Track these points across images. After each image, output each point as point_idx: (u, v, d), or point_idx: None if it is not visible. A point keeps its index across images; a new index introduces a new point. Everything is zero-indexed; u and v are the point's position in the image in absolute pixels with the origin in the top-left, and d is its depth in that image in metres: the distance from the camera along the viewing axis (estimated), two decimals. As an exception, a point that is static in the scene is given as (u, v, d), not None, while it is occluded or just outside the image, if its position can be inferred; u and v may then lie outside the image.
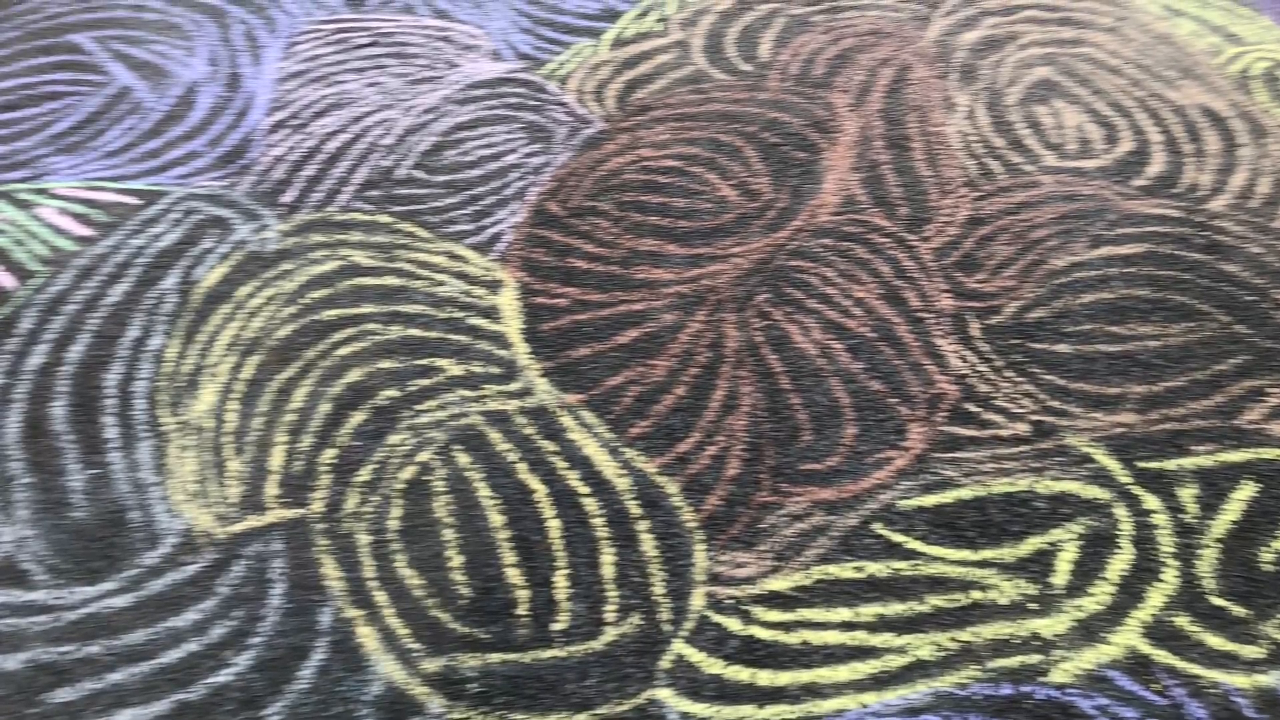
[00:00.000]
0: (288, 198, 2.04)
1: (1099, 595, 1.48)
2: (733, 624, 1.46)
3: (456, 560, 1.52)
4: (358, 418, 1.68)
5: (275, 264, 1.91)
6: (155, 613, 1.48)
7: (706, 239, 1.95)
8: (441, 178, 2.08)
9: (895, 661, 1.43)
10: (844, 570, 1.51)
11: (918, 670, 1.42)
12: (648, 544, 1.54)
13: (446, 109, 2.22)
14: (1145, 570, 1.50)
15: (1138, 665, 1.41)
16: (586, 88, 2.29)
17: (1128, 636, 1.44)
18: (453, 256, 1.93)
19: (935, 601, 1.47)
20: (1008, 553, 1.52)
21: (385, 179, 2.07)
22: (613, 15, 2.49)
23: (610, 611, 1.47)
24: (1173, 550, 1.52)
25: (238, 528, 1.56)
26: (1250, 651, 1.42)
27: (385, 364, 1.75)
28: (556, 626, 1.46)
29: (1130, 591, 1.48)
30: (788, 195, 2.03)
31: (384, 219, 1.99)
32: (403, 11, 2.49)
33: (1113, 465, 1.62)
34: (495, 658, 1.43)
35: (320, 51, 2.37)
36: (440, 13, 2.49)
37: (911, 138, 2.15)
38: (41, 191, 2.04)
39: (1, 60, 2.34)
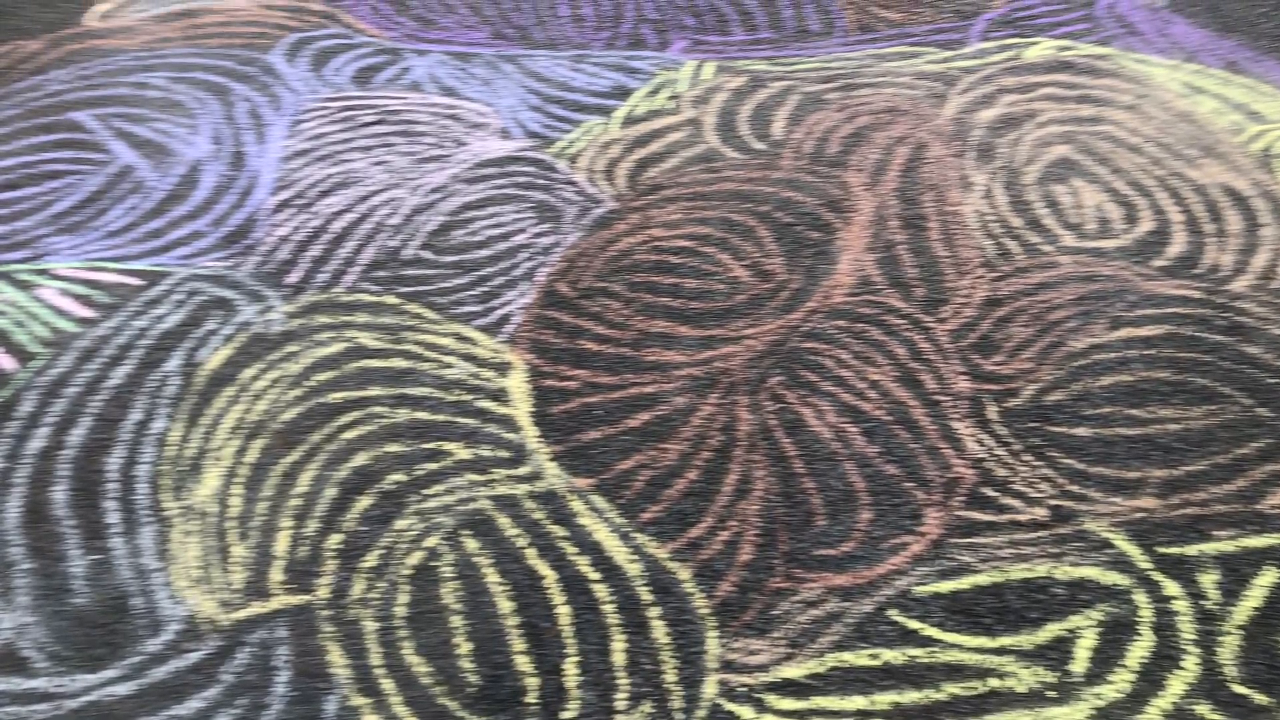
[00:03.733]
0: (293, 278, 2.15)
1: (1119, 683, 1.55)
2: (746, 712, 1.54)
3: (465, 647, 1.60)
4: (364, 502, 1.78)
5: (280, 346, 2.02)
6: (158, 701, 1.56)
7: (719, 320, 2.05)
8: (449, 258, 2.19)
9: (911, 751, 1.51)
10: (859, 657, 1.59)
11: (935, 760, 1.50)
12: (659, 631, 1.62)
13: (454, 188, 2.35)
14: (1165, 657, 1.58)
15: (1159, 755, 1.49)
16: (597, 166, 2.41)
17: (1148, 725, 1.52)
18: (461, 338, 2.04)
19: (952, 689, 1.55)
20: (1026, 640, 1.60)
21: (392, 259, 2.19)
22: (623, 93, 2.63)
23: (621, 699, 1.55)
24: (1194, 637, 1.60)
25: (242, 614, 1.65)
26: (1273, 741, 1.50)
27: (392, 448, 1.85)
28: (566, 715, 1.53)
29: (1150, 679, 1.56)
30: (801, 276, 2.14)
31: (391, 300, 2.11)
32: (410, 89, 2.63)
33: (1132, 550, 1.70)
34: (504, 746, 1.51)
35: (326, 129, 2.51)
36: (448, 90, 2.63)
37: (928, 217, 2.27)
38: (42, 272, 2.16)
39: (2, 139, 2.47)
